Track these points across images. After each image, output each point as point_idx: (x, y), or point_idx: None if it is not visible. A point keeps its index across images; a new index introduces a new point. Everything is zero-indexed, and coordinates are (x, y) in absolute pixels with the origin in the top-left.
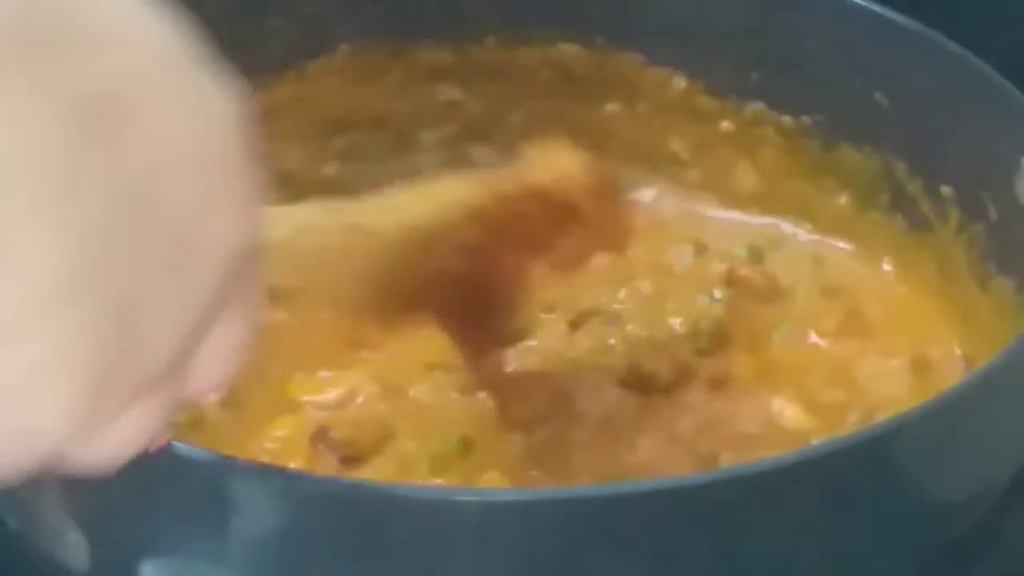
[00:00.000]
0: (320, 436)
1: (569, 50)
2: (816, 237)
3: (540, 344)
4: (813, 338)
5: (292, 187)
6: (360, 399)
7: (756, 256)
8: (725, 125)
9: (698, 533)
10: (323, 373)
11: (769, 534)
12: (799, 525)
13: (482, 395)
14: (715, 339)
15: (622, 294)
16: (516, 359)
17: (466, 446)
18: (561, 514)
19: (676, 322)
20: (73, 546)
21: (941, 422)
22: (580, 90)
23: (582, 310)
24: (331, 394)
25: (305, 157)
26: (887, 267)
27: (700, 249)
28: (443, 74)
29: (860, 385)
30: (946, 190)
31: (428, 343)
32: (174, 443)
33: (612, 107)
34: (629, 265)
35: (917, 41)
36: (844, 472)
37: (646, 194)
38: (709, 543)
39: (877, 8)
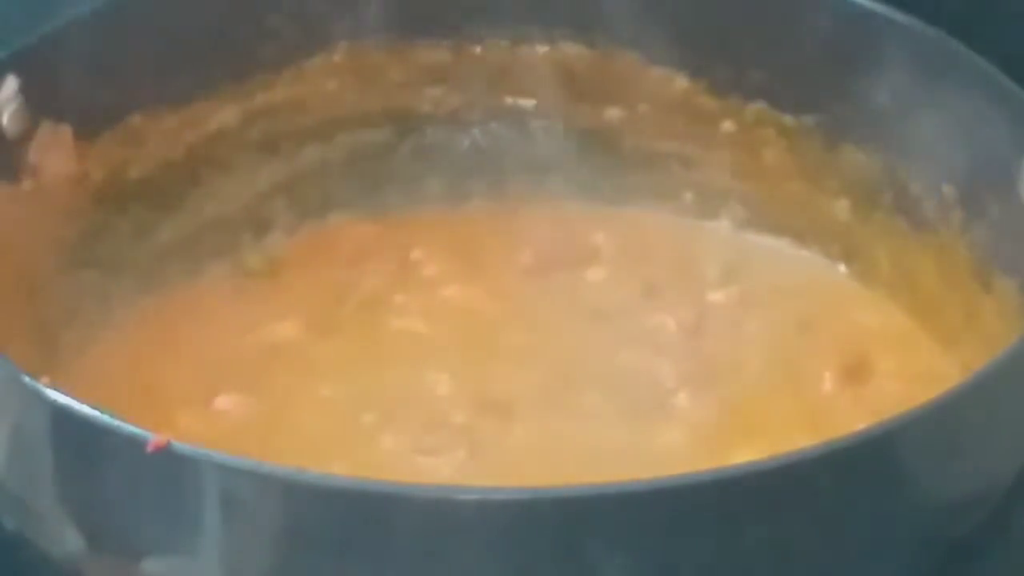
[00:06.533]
0: None
1: (569, 50)
2: (808, 255)
3: None
4: (792, 382)
5: (293, 186)
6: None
7: (732, 278)
8: (727, 125)
9: (698, 533)
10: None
11: (770, 534)
12: (800, 525)
13: None
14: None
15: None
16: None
17: None
18: (561, 513)
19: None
20: (73, 546)
21: (942, 422)
22: (580, 90)
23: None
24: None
25: (305, 157)
26: (883, 291)
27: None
28: (443, 74)
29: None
30: (948, 190)
31: None
32: (173, 443)
33: (613, 109)
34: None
35: (919, 40)
36: (844, 472)
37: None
38: (709, 543)
39: (878, 8)
